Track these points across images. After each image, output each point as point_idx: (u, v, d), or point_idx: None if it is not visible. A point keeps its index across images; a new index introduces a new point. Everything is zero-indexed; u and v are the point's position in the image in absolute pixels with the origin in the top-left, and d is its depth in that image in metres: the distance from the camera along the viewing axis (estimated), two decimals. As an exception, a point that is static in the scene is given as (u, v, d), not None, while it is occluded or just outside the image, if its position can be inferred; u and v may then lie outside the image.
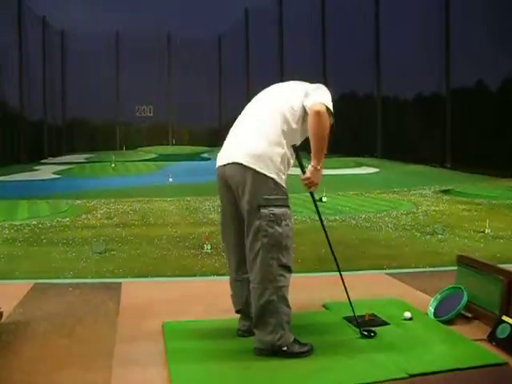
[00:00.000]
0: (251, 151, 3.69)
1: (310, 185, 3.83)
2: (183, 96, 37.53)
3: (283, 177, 3.71)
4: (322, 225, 4.04)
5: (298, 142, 3.83)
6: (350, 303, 4.05)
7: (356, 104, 27.56)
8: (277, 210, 3.65)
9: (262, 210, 3.63)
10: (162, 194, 14.16)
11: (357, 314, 4.21)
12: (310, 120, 3.67)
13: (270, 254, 3.66)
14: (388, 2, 24.55)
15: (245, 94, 35.02)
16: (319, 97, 3.74)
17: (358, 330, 3.98)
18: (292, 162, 3.84)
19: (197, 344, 3.95)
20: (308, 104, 3.72)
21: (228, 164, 3.78)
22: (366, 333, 3.95)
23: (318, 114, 3.64)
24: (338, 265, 4.05)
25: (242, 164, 3.68)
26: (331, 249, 4.04)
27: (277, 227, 3.65)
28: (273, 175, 3.65)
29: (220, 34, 38.71)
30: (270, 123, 3.74)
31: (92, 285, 5.70)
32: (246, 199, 3.68)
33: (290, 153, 3.75)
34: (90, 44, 33.94)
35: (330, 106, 3.75)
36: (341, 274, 4.03)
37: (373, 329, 4.02)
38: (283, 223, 3.67)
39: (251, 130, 3.81)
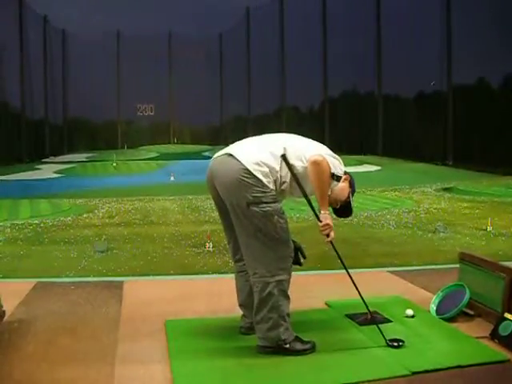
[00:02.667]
0: (245, 151, 3.76)
1: (329, 229, 3.86)
2: (184, 94, 37.52)
3: (270, 181, 3.68)
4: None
5: (294, 192, 3.85)
6: (363, 299, 4.03)
7: (357, 102, 27.55)
8: (267, 207, 3.65)
9: (253, 208, 3.64)
10: (164, 193, 14.18)
11: (359, 311, 4.22)
12: (309, 169, 3.73)
13: (268, 248, 3.69)
14: (389, 0, 24.54)
15: (246, 92, 35.05)
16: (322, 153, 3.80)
17: (383, 339, 3.84)
18: (278, 190, 3.79)
19: (199, 342, 3.95)
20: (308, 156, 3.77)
21: (219, 156, 3.84)
22: (395, 343, 3.82)
23: (314, 162, 3.71)
24: (343, 263, 4.04)
25: (232, 155, 3.73)
26: (336, 250, 4.03)
27: (269, 223, 3.66)
28: (259, 175, 3.65)
29: (221, 33, 38.68)
30: (280, 148, 3.77)
31: (94, 283, 5.70)
32: (229, 193, 3.70)
33: (279, 180, 3.74)
34: (91, 43, 33.96)
35: (338, 169, 3.84)
36: (348, 272, 4.03)
37: (398, 338, 3.88)
38: (275, 218, 3.68)
39: (253, 143, 3.91)
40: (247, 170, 3.64)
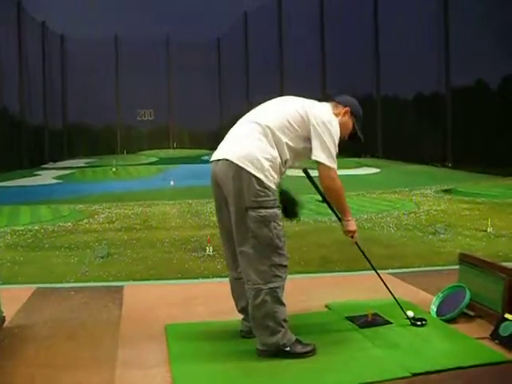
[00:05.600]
0: (240, 150, 3.71)
1: (351, 234, 4.07)
2: (183, 99, 37.56)
3: (272, 179, 3.68)
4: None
5: (296, 162, 3.90)
6: (396, 300, 4.21)
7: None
8: (265, 212, 3.63)
9: (250, 212, 3.62)
10: (164, 198, 14.17)
11: (360, 313, 4.25)
12: (321, 185, 3.87)
13: (262, 255, 3.65)
14: (387, 1, 24.57)
15: (245, 95, 35.09)
16: (325, 155, 3.78)
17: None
18: (284, 170, 3.85)
19: (199, 346, 3.95)
20: (315, 158, 3.80)
21: (218, 160, 3.81)
22: (418, 323, 4.13)
23: (326, 183, 3.83)
24: (371, 264, 4.28)
25: (229, 160, 3.70)
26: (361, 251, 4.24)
27: (265, 229, 3.63)
28: (260, 175, 3.63)
29: (219, 37, 38.76)
30: (265, 130, 3.75)
31: (94, 288, 5.70)
32: (233, 199, 3.69)
33: (281, 162, 3.75)
34: (89, 48, 34.01)
35: (334, 151, 3.82)
36: (377, 273, 4.25)
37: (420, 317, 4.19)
38: (272, 225, 3.65)
39: (246, 132, 3.83)
40: (251, 173, 3.63)
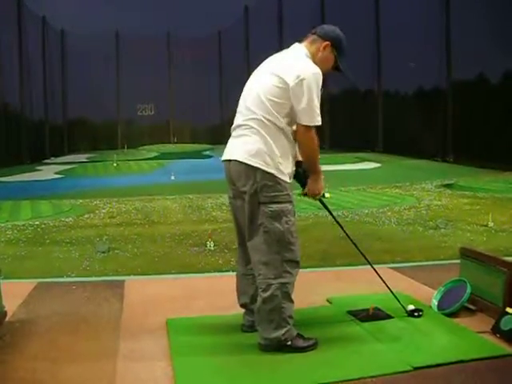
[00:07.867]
0: (249, 149, 3.70)
1: (310, 194, 3.93)
2: (184, 94, 37.53)
3: (285, 171, 3.69)
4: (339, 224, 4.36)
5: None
6: (393, 293, 4.25)
7: (357, 99, 27.51)
8: (276, 207, 3.64)
9: (262, 207, 3.64)
10: (165, 193, 14.15)
11: (361, 307, 4.26)
12: (299, 143, 3.77)
13: (274, 250, 3.66)
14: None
15: (245, 90, 35.04)
16: (305, 116, 3.68)
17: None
18: (294, 152, 3.83)
19: (201, 340, 3.96)
20: (298, 121, 3.71)
21: (230, 160, 3.81)
22: (415, 313, 4.22)
23: (305, 143, 3.73)
24: (365, 257, 4.34)
25: (241, 162, 3.70)
26: (353, 243, 4.37)
27: (276, 224, 3.63)
28: (272, 170, 3.64)
29: (220, 31, 38.68)
30: (263, 121, 3.70)
31: (95, 283, 5.70)
32: (247, 197, 3.70)
33: (290, 146, 3.75)
34: (90, 43, 33.93)
35: (316, 106, 3.69)
36: (372, 266, 4.27)
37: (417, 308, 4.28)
38: (283, 219, 3.65)
39: (249, 129, 3.77)
40: (263, 170, 3.63)
